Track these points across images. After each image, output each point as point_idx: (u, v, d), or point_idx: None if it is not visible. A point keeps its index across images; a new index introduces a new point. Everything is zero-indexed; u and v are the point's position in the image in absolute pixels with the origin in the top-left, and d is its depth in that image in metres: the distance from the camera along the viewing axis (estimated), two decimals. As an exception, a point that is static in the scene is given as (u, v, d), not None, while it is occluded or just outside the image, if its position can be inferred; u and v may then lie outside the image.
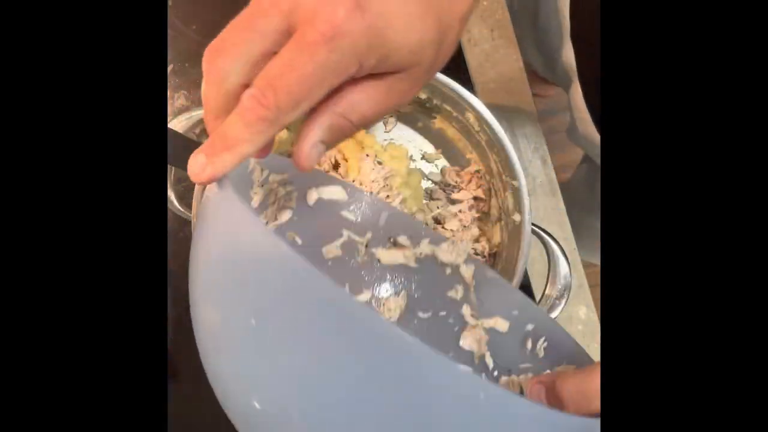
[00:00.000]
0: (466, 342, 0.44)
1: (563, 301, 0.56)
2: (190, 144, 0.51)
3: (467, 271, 0.45)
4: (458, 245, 0.44)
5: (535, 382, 0.37)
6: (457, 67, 0.67)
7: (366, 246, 0.44)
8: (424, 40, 0.28)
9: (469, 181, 0.62)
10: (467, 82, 0.67)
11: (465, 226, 0.60)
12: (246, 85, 0.27)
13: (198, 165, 0.28)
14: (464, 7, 0.30)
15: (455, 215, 0.61)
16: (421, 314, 0.45)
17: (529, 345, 0.42)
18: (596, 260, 0.98)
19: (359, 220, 0.44)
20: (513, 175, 0.56)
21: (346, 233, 0.43)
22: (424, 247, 0.44)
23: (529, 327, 0.43)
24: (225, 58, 0.27)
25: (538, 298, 0.58)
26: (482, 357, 0.43)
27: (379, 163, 0.58)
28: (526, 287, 0.65)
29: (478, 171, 0.62)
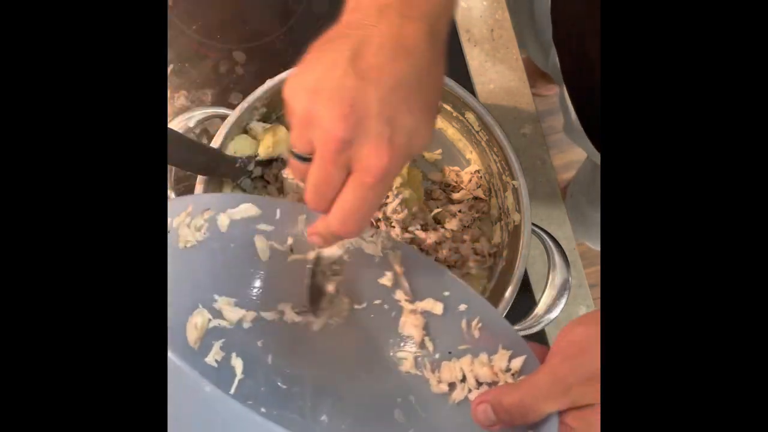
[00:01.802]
0: (405, 328, 0.46)
1: (563, 301, 0.56)
2: (190, 144, 0.51)
3: (395, 258, 0.46)
4: (380, 233, 0.46)
5: (479, 402, 0.38)
6: (457, 68, 0.67)
7: (291, 252, 0.45)
8: (431, 132, 0.39)
9: (469, 181, 0.62)
10: (467, 82, 0.67)
11: (465, 226, 0.60)
12: None
13: (313, 240, 0.40)
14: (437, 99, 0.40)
15: (455, 215, 0.61)
16: (356, 306, 0.47)
17: (464, 325, 0.44)
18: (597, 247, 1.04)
19: (278, 228, 0.45)
20: (513, 175, 0.56)
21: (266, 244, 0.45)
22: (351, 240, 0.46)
23: (462, 307, 0.45)
24: (324, 201, 0.38)
25: (538, 298, 0.58)
26: (422, 342, 0.45)
27: (379, 163, 0.58)
28: (526, 287, 0.65)
29: (478, 171, 0.62)
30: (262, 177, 0.60)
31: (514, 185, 0.56)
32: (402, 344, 0.46)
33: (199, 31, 0.67)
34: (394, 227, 0.58)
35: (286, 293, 0.46)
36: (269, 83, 0.55)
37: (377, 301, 0.46)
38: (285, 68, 0.55)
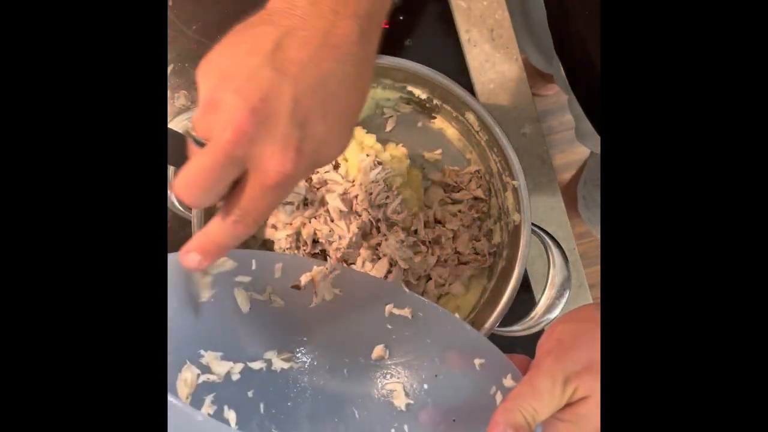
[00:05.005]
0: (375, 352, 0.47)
1: (563, 301, 0.56)
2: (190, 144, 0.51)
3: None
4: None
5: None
6: (457, 68, 0.67)
7: (271, 300, 0.46)
8: (345, 144, 0.37)
9: (469, 181, 0.62)
10: (467, 83, 0.67)
11: (465, 226, 0.60)
12: None
13: (192, 261, 0.36)
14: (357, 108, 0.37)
15: (455, 215, 0.61)
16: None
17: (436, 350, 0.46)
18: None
19: (255, 279, 0.45)
20: (513, 175, 0.56)
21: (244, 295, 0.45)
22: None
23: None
24: (205, 195, 0.34)
25: (538, 298, 0.58)
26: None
27: (379, 163, 0.58)
28: (526, 287, 0.65)
29: (478, 171, 0.62)
30: (262, 177, 0.60)
31: (514, 185, 0.56)
32: (387, 375, 0.47)
33: (199, 31, 0.67)
34: (395, 227, 0.58)
35: (271, 341, 0.46)
36: (269, 83, 0.55)
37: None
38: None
